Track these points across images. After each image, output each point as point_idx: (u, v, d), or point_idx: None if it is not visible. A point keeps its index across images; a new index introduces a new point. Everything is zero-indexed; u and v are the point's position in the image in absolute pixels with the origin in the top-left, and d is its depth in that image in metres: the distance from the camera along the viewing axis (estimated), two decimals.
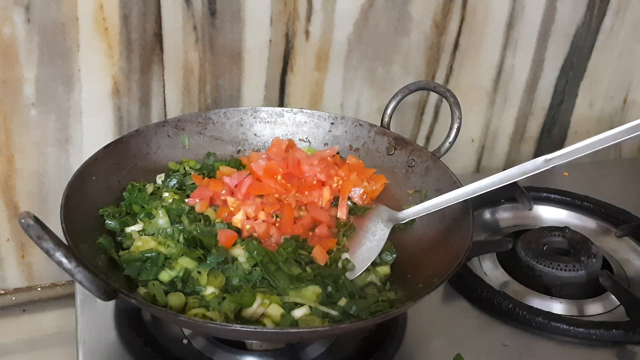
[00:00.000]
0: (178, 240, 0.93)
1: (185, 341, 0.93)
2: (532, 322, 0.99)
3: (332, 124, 1.14)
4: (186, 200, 1.01)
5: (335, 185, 1.05)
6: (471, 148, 1.49)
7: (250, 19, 1.18)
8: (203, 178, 1.06)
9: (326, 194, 1.04)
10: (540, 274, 1.09)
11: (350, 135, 1.13)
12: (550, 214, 1.28)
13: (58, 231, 0.73)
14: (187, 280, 0.88)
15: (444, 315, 1.02)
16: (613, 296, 1.05)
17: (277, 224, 0.99)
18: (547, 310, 1.01)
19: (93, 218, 0.95)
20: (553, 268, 1.08)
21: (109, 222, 0.96)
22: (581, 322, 0.99)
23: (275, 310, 0.84)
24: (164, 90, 1.18)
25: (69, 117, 1.13)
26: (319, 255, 0.94)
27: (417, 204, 0.98)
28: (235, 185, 1.03)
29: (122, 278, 0.89)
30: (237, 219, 0.98)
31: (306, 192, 1.04)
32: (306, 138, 1.15)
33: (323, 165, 1.06)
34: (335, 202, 1.04)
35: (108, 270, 0.88)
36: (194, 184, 1.04)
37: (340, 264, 0.95)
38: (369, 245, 0.97)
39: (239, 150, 1.14)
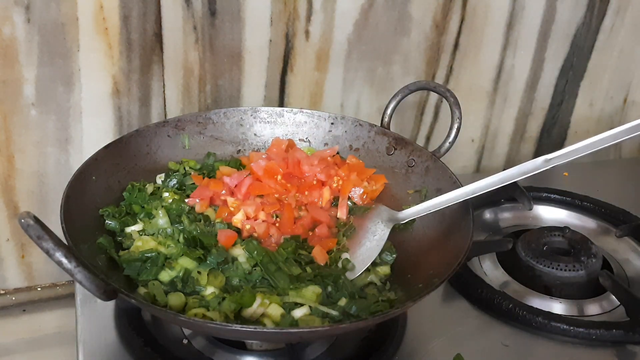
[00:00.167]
0: (178, 240, 0.93)
1: (185, 341, 0.93)
2: (532, 322, 0.99)
3: (332, 124, 1.14)
4: (186, 200, 1.01)
5: (335, 185, 1.05)
6: (471, 148, 1.49)
7: (250, 19, 1.18)
8: (203, 178, 1.06)
9: (326, 194, 1.04)
10: (540, 274, 1.09)
11: (350, 135, 1.13)
12: (550, 214, 1.28)
13: (58, 231, 0.73)
14: (187, 280, 0.88)
15: (444, 315, 1.02)
16: (613, 296, 1.05)
17: (277, 224, 0.99)
18: (547, 310, 1.01)
19: (93, 218, 0.95)
20: (553, 268, 1.08)
21: (109, 222, 0.96)
22: (581, 322, 0.99)
23: (275, 310, 0.84)
24: (164, 90, 1.18)
25: (69, 117, 1.13)
26: (319, 255, 0.94)
27: (417, 204, 0.98)
28: (235, 185, 1.03)
29: (122, 278, 0.89)
30: (237, 219, 0.98)
31: (306, 192, 1.04)
32: (306, 138, 1.15)
33: (323, 165, 1.06)
34: (335, 202, 1.04)
35: (108, 270, 0.88)
36: (194, 184, 1.04)
37: (340, 264, 0.95)
38: (369, 245, 0.97)
39: (239, 150, 1.14)
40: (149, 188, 1.02)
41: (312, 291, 0.87)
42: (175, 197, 1.01)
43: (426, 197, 1.02)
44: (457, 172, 1.02)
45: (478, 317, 1.02)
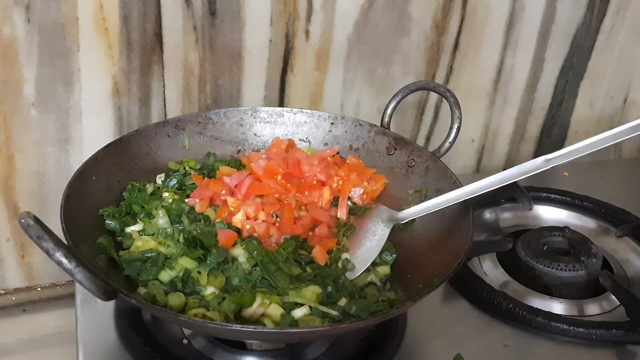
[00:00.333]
0: (178, 240, 0.93)
1: (185, 341, 0.93)
2: (532, 322, 0.99)
3: (332, 124, 1.14)
4: (186, 200, 1.01)
5: (335, 185, 1.05)
6: (471, 148, 1.49)
7: (250, 19, 1.18)
8: (203, 178, 1.06)
9: (326, 194, 1.04)
10: (540, 274, 1.09)
11: (350, 135, 1.13)
12: (550, 214, 1.28)
13: (58, 231, 0.73)
14: (187, 280, 0.88)
15: (444, 315, 1.02)
16: (613, 296, 1.05)
17: (277, 224, 0.99)
18: (547, 310, 1.01)
19: (93, 218, 0.95)
20: (553, 268, 1.08)
21: (109, 222, 0.96)
22: (581, 322, 0.99)
23: (275, 310, 0.84)
24: (164, 90, 1.18)
25: (69, 117, 1.13)
26: (319, 255, 0.94)
27: (417, 204, 0.98)
28: (235, 185, 1.03)
29: (122, 278, 0.89)
30: (237, 219, 0.98)
31: (306, 192, 1.04)
32: (306, 138, 1.15)
33: (323, 165, 1.06)
34: (335, 202, 1.04)
35: (108, 270, 0.88)
36: (194, 184, 1.04)
37: (340, 264, 0.95)
38: (369, 245, 0.97)
39: (239, 150, 1.14)
40: (149, 188, 1.02)
41: (312, 291, 0.87)
42: (175, 197, 1.01)
43: (426, 197, 1.03)
44: (457, 172, 1.02)
45: (478, 317, 1.02)
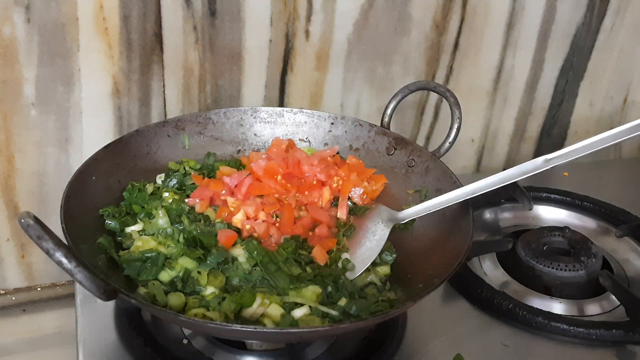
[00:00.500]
0: (178, 240, 0.93)
1: (185, 341, 0.93)
2: (532, 322, 0.99)
3: (332, 124, 1.14)
4: (186, 200, 1.01)
5: (335, 185, 1.05)
6: (471, 148, 1.49)
7: (250, 19, 1.18)
8: (203, 178, 1.06)
9: (326, 194, 1.04)
10: (540, 274, 1.09)
11: (350, 135, 1.13)
12: (550, 214, 1.28)
13: (58, 231, 0.73)
14: (187, 280, 0.88)
15: (444, 315, 1.02)
16: (613, 296, 1.05)
17: (277, 224, 0.99)
18: (547, 310, 1.01)
19: (93, 218, 0.95)
20: (553, 268, 1.08)
21: (109, 222, 0.96)
22: (581, 322, 0.99)
23: (275, 310, 0.84)
24: (164, 90, 1.18)
25: (69, 117, 1.13)
26: (319, 255, 0.94)
27: (417, 204, 0.98)
28: (235, 185, 1.03)
29: (122, 278, 0.89)
30: (237, 219, 0.98)
31: (306, 192, 1.04)
32: (306, 138, 1.15)
33: (323, 165, 1.06)
34: (335, 202, 1.04)
35: (108, 270, 0.88)
36: (194, 184, 1.04)
37: (340, 264, 0.94)
38: (369, 245, 0.97)
39: (239, 150, 1.14)
40: (149, 188, 1.02)
41: (312, 291, 0.87)
42: (175, 197, 1.01)
43: (426, 197, 1.03)
44: (457, 172, 1.02)
45: (478, 317, 1.02)
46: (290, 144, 1.12)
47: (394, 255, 0.98)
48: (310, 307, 0.85)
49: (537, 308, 1.01)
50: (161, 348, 0.90)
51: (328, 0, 1.21)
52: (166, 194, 1.01)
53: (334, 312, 0.85)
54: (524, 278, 1.10)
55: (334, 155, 1.11)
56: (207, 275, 0.88)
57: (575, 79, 1.48)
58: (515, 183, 0.95)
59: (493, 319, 1.01)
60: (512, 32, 1.37)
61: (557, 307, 1.05)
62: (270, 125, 1.15)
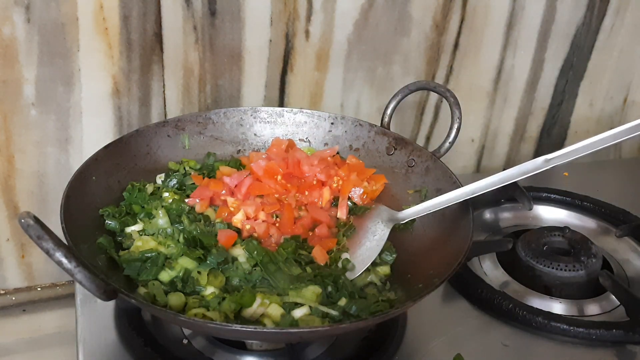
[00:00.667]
0: (178, 240, 0.93)
1: (185, 341, 0.93)
2: (532, 322, 0.99)
3: (332, 124, 1.14)
4: (186, 200, 1.01)
5: (335, 185, 1.05)
6: (471, 148, 1.49)
7: (250, 19, 1.18)
8: (203, 178, 1.06)
9: (326, 194, 1.04)
10: (540, 274, 1.09)
11: (350, 135, 1.13)
12: (550, 214, 1.28)
13: (58, 231, 0.73)
14: (187, 280, 0.88)
15: (444, 315, 1.02)
16: (613, 296, 1.05)
17: (277, 224, 0.99)
18: (547, 310, 1.01)
19: (93, 218, 0.95)
20: (553, 268, 1.08)
21: (109, 222, 0.96)
22: (581, 322, 0.99)
23: (275, 310, 0.84)
24: (164, 90, 1.18)
25: (69, 117, 1.13)
26: (319, 255, 0.94)
27: (417, 204, 0.98)
28: (235, 185, 1.03)
29: (122, 278, 0.89)
30: (237, 219, 0.98)
31: (306, 192, 1.04)
32: (306, 138, 1.15)
33: (323, 165, 1.06)
34: (335, 202, 1.04)
35: (108, 270, 0.88)
36: (194, 184, 1.04)
37: (340, 264, 0.95)
38: (369, 245, 0.97)
39: (239, 150, 1.14)
40: (149, 188, 1.02)
41: (312, 291, 0.87)
42: (175, 197, 1.01)
43: (426, 197, 1.03)
44: (457, 172, 1.02)
45: (478, 317, 1.02)
46: (290, 144, 1.12)
47: (394, 255, 0.98)
48: (310, 307, 0.85)
49: (537, 308, 1.01)
50: (161, 348, 0.90)
51: (328, 0, 1.21)
52: (166, 194, 1.01)
53: (334, 312, 0.85)
54: (524, 278, 1.10)
55: (334, 155, 1.11)
56: (207, 275, 0.88)
57: (575, 79, 1.48)
58: (515, 183, 0.95)
59: (493, 319, 1.01)
60: (512, 32, 1.37)
61: (557, 307, 1.05)
62: (270, 125, 1.15)
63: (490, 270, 1.12)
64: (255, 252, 0.91)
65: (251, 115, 1.14)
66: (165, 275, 0.89)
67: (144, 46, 1.13)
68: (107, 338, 0.93)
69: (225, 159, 1.12)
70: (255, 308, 0.84)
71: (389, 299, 0.90)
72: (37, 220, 0.69)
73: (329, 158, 1.09)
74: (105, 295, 0.73)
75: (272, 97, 1.26)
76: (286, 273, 0.89)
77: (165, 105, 1.19)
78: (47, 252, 0.69)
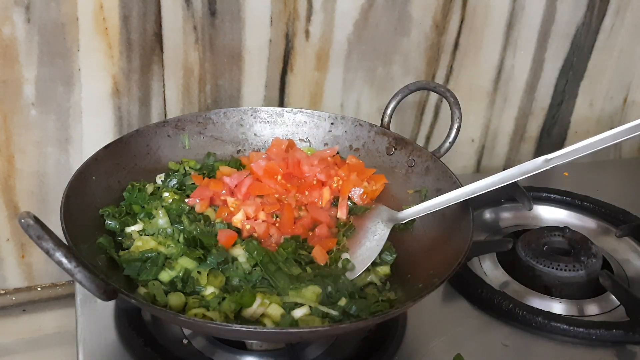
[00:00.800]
0: (178, 240, 0.93)
1: (185, 341, 0.93)
2: (532, 322, 0.99)
3: (332, 124, 1.14)
4: (186, 200, 1.01)
5: (335, 185, 1.05)
6: (471, 148, 1.49)
7: (250, 19, 1.18)
8: (203, 178, 1.06)
9: (326, 194, 1.04)
10: (540, 274, 1.09)
11: (350, 135, 1.13)
12: (550, 214, 1.28)
13: (58, 231, 0.73)
14: (187, 280, 0.88)
15: (444, 315, 1.02)
16: (613, 296, 1.05)
17: (277, 224, 0.99)
18: (547, 310, 1.01)
19: (93, 218, 0.95)
20: (553, 268, 1.08)
21: (109, 222, 0.96)
22: (581, 322, 0.99)
23: (275, 310, 0.84)
24: (164, 90, 1.18)
25: (69, 117, 1.13)
26: (319, 255, 0.94)
27: (417, 204, 0.98)
28: (235, 185, 1.03)
29: (122, 278, 0.89)
30: (237, 219, 0.98)
31: (306, 192, 1.04)
32: (306, 138, 1.15)
33: (323, 165, 1.06)
34: (335, 202, 1.04)
35: (108, 270, 0.88)
36: (194, 184, 1.04)
37: (340, 264, 0.94)
38: (369, 245, 0.97)
39: (239, 150, 1.14)
40: (149, 188, 1.02)
41: (312, 291, 0.87)
42: (175, 197, 1.01)
43: (426, 197, 1.02)
44: (457, 172, 1.02)
45: (478, 317, 1.02)
46: (290, 144, 1.12)
47: (394, 255, 0.98)
48: (310, 307, 0.85)
49: (537, 308, 1.01)
50: (161, 348, 0.90)
51: (328, 0, 1.21)
52: (166, 194, 1.01)
53: (334, 312, 0.85)
54: (524, 278, 1.10)
55: (334, 155, 1.11)
56: (207, 275, 0.88)
57: (575, 79, 1.48)
58: (515, 183, 0.95)
59: (493, 319, 1.01)
60: (512, 32, 1.37)
61: (557, 307, 1.05)
62: (270, 125, 1.15)
63: (490, 270, 1.12)
64: (255, 252, 0.91)
65: (251, 115, 1.14)
66: (165, 275, 0.89)
67: (144, 46, 1.13)
68: (107, 338, 0.93)
69: (225, 159, 1.12)
70: (255, 308, 0.84)
71: (389, 299, 0.90)
72: (37, 220, 0.69)
73: (329, 158, 1.09)
74: (105, 295, 0.73)
75: (272, 97, 1.26)
76: (286, 273, 0.89)
77: (165, 105, 1.19)
78: (47, 252, 0.69)
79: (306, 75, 1.26)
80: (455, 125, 1.05)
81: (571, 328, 0.98)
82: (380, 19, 1.26)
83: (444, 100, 1.07)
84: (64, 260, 0.69)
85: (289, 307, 0.85)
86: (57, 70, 1.09)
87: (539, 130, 1.52)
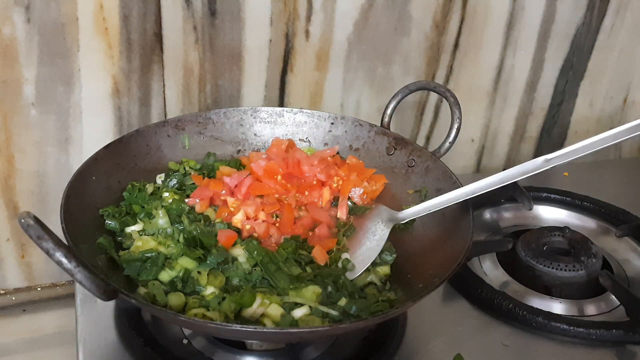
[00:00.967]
0: (178, 240, 0.93)
1: (185, 341, 0.93)
2: (532, 322, 0.99)
3: (332, 124, 1.14)
4: (186, 200, 1.01)
5: (335, 185, 1.05)
6: (471, 148, 1.49)
7: (250, 19, 1.18)
8: (203, 178, 1.06)
9: (326, 194, 1.04)
10: (540, 274, 1.09)
11: (350, 135, 1.13)
12: (550, 214, 1.28)
13: (58, 231, 0.73)
14: (187, 280, 0.88)
15: (444, 315, 1.02)
16: (613, 296, 1.05)
17: (277, 224, 0.99)
18: (547, 310, 1.01)
19: (93, 218, 0.95)
20: (553, 268, 1.08)
21: (109, 222, 0.96)
22: (581, 322, 0.99)
23: (275, 310, 0.84)
24: (164, 90, 1.18)
25: (69, 117, 1.13)
26: (319, 255, 0.94)
27: (417, 204, 0.98)
28: (235, 185, 1.03)
29: (122, 278, 0.89)
30: (237, 219, 0.98)
31: (306, 192, 1.04)
32: (306, 138, 1.15)
33: (323, 165, 1.06)
34: (335, 202, 1.04)
35: (108, 270, 0.88)
36: (194, 184, 1.04)
37: (340, 264, 0.95)
38: (369, 245, 0.97)
39: (239, 150, 1.14)
40: (149, 188, 1.02)
41: (312, 291, 0.87)
42: (175, 197, 1.01)
43: (426, 197, 1.03)
44: (457, 172, 1.02)
45: (478, 317, 1.02)
46: (290, 144, 1.12)
47: (394, 255, 0.98)
48: (310, 307, 0.85)
49: (537, 308, 1.01)
50: (161, 348, 0.90)
51: (328, 0, 1.21)
52: (166, 194, 1.01)
53: (334, 312, 0.85)
54: (524, 278, 1.10)
55: (334, 155, 1.11)
56: (207, 275, 0.88)
57: (575, 79, 1.48)
58: (515, 183, 0.95)
59: (493, 319, 1.01)
60: (512, 32, 1.37)
61: (557, 307, 1.05)
62: (270, 125, 1.15)
63: (490, 270, 1.12)
64: (255, 252, 0.91)
65: (251, 115, 1.14)
66: (165, 275, 0.89)
67: (144, 46, 1.13)
68: (107, 338, 0.93)
69: (225, 159, 1.12)
70: (255, 308, 0.84)
71: (389, 299, 0.90)
72: (37, 220, 0.69)
73: (329, 158, 1.09)
74: (105, 295, 0.73)
75: (272, 97, 1.26)
76: (286, 273, 0.89)
77: (165, 105, 1.19)
78: (47, 252, 0.69)
79: (306, 75, 1.26)
80: (455, 125, 1.05)
81: (571, 328, 0.98)
82: (380, 19, 1.26)
83: (444, 100, 1.07)
84: (64, 260, 0.69)
85: (289, 307, 0.85)
86: (57, 70, 1.09)
87: (539, 130, 1.52)
